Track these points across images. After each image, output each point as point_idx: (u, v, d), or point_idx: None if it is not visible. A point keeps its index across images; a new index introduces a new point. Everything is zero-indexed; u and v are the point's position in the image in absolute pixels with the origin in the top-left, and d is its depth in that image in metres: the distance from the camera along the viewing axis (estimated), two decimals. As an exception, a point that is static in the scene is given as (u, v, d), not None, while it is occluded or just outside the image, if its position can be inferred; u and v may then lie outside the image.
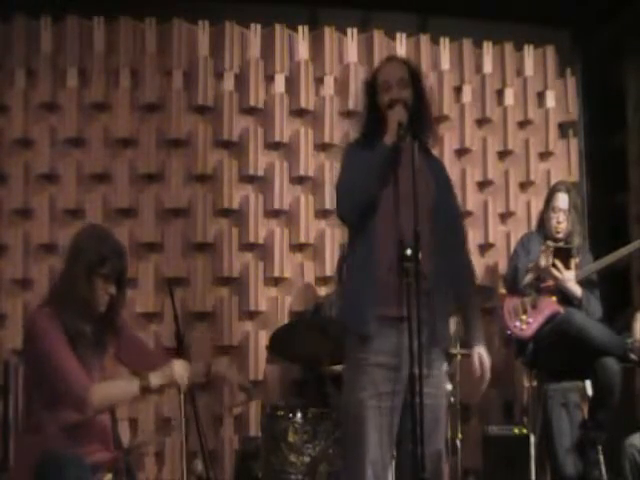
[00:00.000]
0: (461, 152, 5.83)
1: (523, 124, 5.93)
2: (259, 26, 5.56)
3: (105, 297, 3.17)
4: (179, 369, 3.17)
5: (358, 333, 3.15)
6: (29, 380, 3.15)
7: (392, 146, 3.13)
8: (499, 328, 5.42)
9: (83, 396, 3.00)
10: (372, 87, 3.36)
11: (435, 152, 5.76)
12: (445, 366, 3.31)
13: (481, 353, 3.28)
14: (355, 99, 5.55)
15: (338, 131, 5.58)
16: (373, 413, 3.09)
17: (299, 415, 4.26)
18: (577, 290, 4.73)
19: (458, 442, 4.89)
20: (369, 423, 3.08)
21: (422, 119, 3.31)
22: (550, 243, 4.78)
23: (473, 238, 5.76)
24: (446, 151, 5.75)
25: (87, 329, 3.14)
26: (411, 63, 3.45)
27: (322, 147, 5.57)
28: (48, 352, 3.04)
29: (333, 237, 5.44)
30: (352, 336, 3.20)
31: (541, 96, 5.99)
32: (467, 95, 5.85)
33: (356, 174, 3.18)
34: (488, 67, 5.90)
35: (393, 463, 3.30)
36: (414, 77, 3.35)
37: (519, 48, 5.95)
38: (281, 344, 4.73)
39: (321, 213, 5.50)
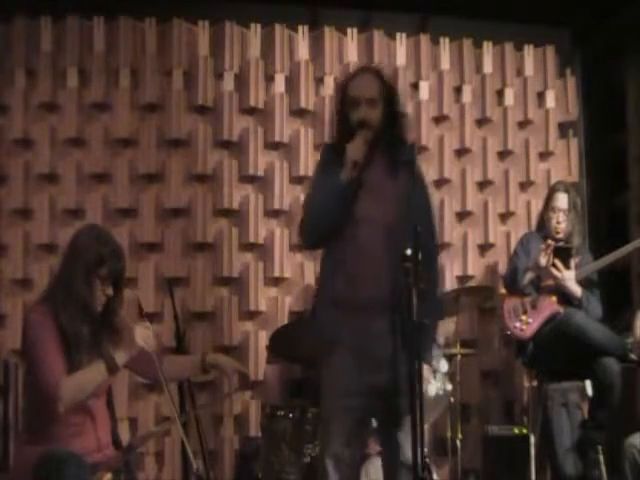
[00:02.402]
0: (461, 152, 5.83)
1: (523, 124, 5.92)
2: (259, 26, 5.56)
3: (102, 298, 3.17)
4: (140, 333, 3.08)
5: (327, 342, 3.25)
6: (30, 377, 3.15)
7: (347, 183, 3.15)
8: (499, 328, 5.43)
9: (54, 390, 2.97)
10: (342, 100, 3.36)
11: (435, 152, 5.84)
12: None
13: None
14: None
15: (338, 131, 5.57)
16: (339, 410, 3.19)
17: (299, 415, 4.26)
18: (577, 290, 4.73)
19: (458, 442, 4.89)
20: (334, 419, 3.20)
21: (393, 135, 3.31)
22: (550, 241, 4.78)
23: (473, 238, 5.77)
24: (446, 151, 5.75)
25: (84, 329, 3.13)
26: (384, 76, 3.40)
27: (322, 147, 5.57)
28: (33, 349, 3.05)
29: (333, 237, 5.43)
30: (323, 345, 3.29)
31: (541, 96, 5.99)
32: (467, 95, 5.85)
33: (317, 200, 3.24)
34: (488, 67, 5.90)
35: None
36: (387, 91, 3.33)
37: (519, 48, 5.95)
38: (281, 344, 4.73)
39: (321, 213, 5.49)
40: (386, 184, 3.26)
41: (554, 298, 4.79)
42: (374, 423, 3.40)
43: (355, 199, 3.20)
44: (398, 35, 5.75)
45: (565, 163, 5.97)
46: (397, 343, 3.22)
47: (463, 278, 5.72)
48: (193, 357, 3.60)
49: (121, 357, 3.07)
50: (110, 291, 3.18)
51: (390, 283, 3.19)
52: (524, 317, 4.76)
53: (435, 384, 4.51)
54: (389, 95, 3.34)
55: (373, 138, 3.20)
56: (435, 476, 4.46)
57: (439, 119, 5.81)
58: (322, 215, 3.21)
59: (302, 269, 5.45)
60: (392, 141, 3.30)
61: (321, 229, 3.24)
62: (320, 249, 3.35)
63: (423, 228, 3.06)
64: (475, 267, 5.73)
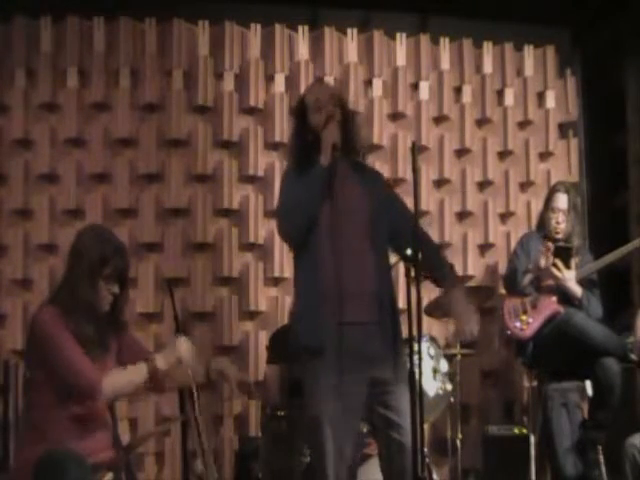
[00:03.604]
0: (461, 152, 5.83)
1: (523, 124, 5.93)
2: (259, 26, 5.56)
3: (109, 297, 3.18)
4: (183, 346, 3.19)
5: (311, 347, 3.24)
6: (33, 378, 3.14)
7: (328, 167, 3.24)
8: (499, 328, 5.43)
9: (95, 386, 3.03)
10: (301, 110, 3.46)
11: (435, 152, 5.84)
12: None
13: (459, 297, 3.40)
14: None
15: (338, 131, 5.57)
16: (331, 415, 3.19)
17: (299, 415, 4.26)
18: (577, 290, 4.74)
19: (458, 442, 4.89)
20: (327, 425, 3.19)
21: (351, 136, 3.42)
22: (550, 244, 4.78)
23: (473, 238, 5.77)
24: (446, 151, 5.75)
25: (91, 330, 3.14)
26: (335, 86, 3.53)
27: (322, 147, 5.56)
28: (58, 347, 3.05)
29: (333, 237, 5.43)
30: (306, 349, 3.28)
31: (541, 96, 5.99)
32: (467, 95, 5.85)
33: (295, 196, 3.28)
34: (488, 67, 5.90)
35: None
36: (341, 98, 3.49)
37: (519, 48, 5.95)
38: (281, 344, 4.72)
39: (321, 213, 5.49)
40: (354, 177, 3.39)
41: (554, 298, 4.79)
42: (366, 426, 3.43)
43: (333, 184, 3.26)
44: (398, 35, 5.75)
45: (565, 163, 5.97)
46: (386, 334, 3.25)
47: (463, 278, 5.71)
48: (196, 364, 3.58)
49: (161, 361, 3.14)
50: (116, 289, 3.19)
51: (375, 274, 3.26)
52: (524, 317, 4.76)
53: (435, 384, 4.51)
54: (343, 100, 3.49)
55: (341, 135, 3.31)
56: (435, 476, 4.46)
57: (439, 119, 5.81)
58: (305, 201, 3.24)
59: (302, 269, 5.45)
60: (349, 143, 3.39)
61: (305, 216, 3.25)
62: (302, 240, 3.32)
63: (403, 214, 3.37)
64: (475, 267, 5.73)
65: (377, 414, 3.28)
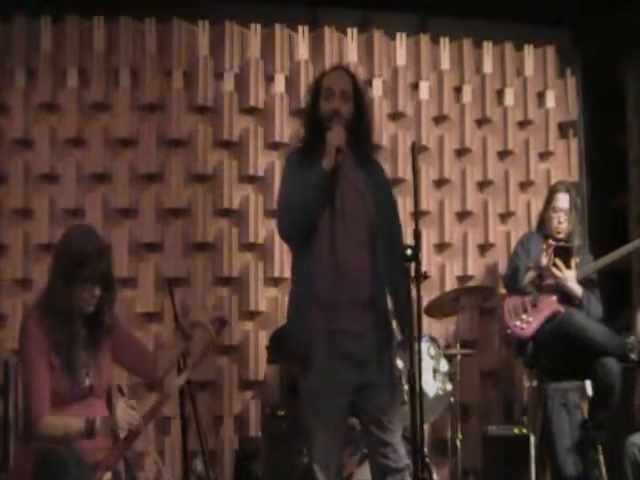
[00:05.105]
0: (461, 152, 5.83)
1: (523, 124, 5.93)
2: (259, 26, 5.56)
3: (91, 300, 3.15)
4: (122, 415, 3.08)
5: (300, 350, 3.26)
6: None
7: (330, 171, 3.19)
8: (499, 328, 5.43)
9: (35, 419, 3.04)
10: (314, 93, 3.43)
11: (435, 152, 5.83)
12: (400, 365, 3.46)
13: None
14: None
15: (338, 131, 5.57)
16: (320, 414, 3.25)
17: (299, 415, 4.27)
18: (577, 290, 4.74)
19: (458, 442, 4.89)
20: (316, 424, 3.25)
21: (361, 132, 3.39)
22: (551, 241, 4.78)
23: (473, 238, 5.77)
24: (446, 151, 5.75)
25: (75, 331, 3.13)
26: (356, 76, 3.51)
27: (322, 147, 5.56)
28: (25, 361, 3.11)
29: (333, 237, 5.42)
30: (295, 354, 3.31)
31: (541, 96, 5.99)
32: (467, 95, 5.85)
33: (296, 195, 3.25)
34: (488, 67, 5.90)
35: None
36: (357, 91, 3.42)
37: (519, 48, 5.95)
38: (281, 344, 4.72)
39: (321, 213, 5.49)
40: (357, 177, 3.35)
41: (554, 297, 4.79)
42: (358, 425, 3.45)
43: (335, 189, 3.24)
44: (398, 35, 5.75)
45: (565, 163, 5.97)
46: (378, 339, 3.26)
47: (463, 278, 5.72)
48: (172, 334, 3.58)
49: (99, 425, 3.06)
50: (97, 292, 3.15)
51: (371, 282, 3.25)
52: (524, 316, 4.76)
53: (435, 384, 4.51)
54: (359, 94, 3.43)
55: (346, 135, 3.26)
56: (435, 476, 4.46)
57: (439, 119, 5.81)
58: (305, 206, 3.22)
59: (302, 269, 5.44)
60: (358, 138, 3.36)
61: (304, 221, 3.24)
62: (302, 243, 3.32)
63: (394, 224, 3.34)
64: (475, 267, 5.73)
65: (366, 414, 3.31)
